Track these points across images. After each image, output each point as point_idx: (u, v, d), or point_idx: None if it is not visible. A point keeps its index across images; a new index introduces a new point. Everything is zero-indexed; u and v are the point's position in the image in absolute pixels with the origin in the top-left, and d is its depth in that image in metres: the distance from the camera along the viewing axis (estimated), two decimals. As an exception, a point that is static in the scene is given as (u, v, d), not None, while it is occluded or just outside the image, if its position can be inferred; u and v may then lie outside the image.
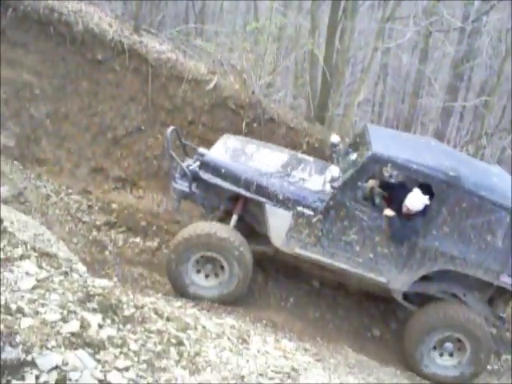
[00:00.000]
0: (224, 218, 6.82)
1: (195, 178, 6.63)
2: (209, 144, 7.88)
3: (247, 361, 3.57)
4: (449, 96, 12.26)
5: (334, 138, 7.31)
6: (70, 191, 7.89)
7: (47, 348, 2.67)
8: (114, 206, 7.97)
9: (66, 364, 2.64)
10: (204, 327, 3.77)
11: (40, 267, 3.37)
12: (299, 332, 6.62)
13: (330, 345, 6.56)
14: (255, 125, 8.45)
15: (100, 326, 2.99)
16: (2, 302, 2.80)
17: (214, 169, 6.52)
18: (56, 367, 2.60)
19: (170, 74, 8.46)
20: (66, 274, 3.47)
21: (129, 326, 3.16)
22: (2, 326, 2.65)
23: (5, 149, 7.77)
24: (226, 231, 6.33)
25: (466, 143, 12.65)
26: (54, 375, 2.57)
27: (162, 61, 8.47)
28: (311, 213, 6.31)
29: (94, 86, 8.40)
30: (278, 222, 6.42)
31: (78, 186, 8.05)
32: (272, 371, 3.77)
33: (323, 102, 9.41)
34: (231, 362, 3.38)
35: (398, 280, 6.50)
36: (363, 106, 14.12)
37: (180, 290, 6.45)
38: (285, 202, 6.36)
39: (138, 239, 7.58)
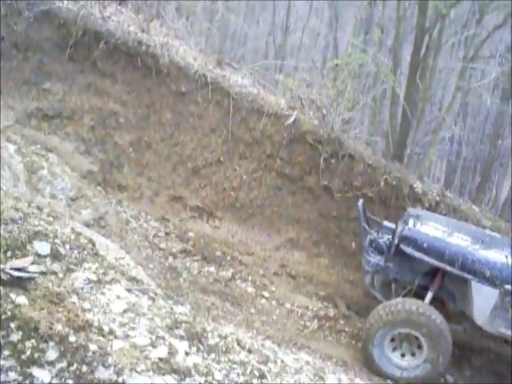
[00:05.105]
0: (413, 294, 6.65)
1: (390, 251, 6.67)
2: (289, 179, 7.96)
3: (326, 399, 3.52)
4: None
5: None
6: (148, 218, 8.07)
7: (137, 371, 2.71)
8: (190, 234, 8.10)
9: (154, 389, 2.68)
10: (283, 361, 3.73)
11: (129, 291, 3.45)
12: (369, 372, 6.48)
13: (403, 388, 6.39)
14: (333, 160, 8.45)
15: (186, 354, 3.02)
16: (96, 324, 2.87)
17: (416, 243, 6.37)
18: (145, 391, 2.64)
19: (251, 108, 8.63)
20: (153, 299, 3.54)
21: (213, 355, 3.18)
22: (96, 346, 2.72)
23: (89, 174, 8.08)
24: (428, 309, 6.12)
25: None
26: (143, 399, 2.61)
27: (243, 94, 8.67)
28: None
29: (177, 117, 8.67)
30: (482, 300, 6.15)
31: (157, 213, 8.23)
32: (350, 411, 3.71)
33: (402, 140, 9.33)
34: (311, 399, 3.34)
35: None
36: (441, 144, 13.87)
37: (375, 368, 6.34)
38: (492, 280, 6.10)
39: (212, 268, 7.62)
